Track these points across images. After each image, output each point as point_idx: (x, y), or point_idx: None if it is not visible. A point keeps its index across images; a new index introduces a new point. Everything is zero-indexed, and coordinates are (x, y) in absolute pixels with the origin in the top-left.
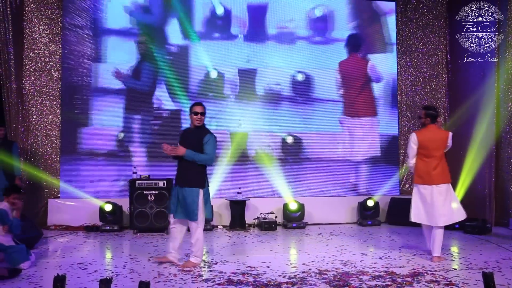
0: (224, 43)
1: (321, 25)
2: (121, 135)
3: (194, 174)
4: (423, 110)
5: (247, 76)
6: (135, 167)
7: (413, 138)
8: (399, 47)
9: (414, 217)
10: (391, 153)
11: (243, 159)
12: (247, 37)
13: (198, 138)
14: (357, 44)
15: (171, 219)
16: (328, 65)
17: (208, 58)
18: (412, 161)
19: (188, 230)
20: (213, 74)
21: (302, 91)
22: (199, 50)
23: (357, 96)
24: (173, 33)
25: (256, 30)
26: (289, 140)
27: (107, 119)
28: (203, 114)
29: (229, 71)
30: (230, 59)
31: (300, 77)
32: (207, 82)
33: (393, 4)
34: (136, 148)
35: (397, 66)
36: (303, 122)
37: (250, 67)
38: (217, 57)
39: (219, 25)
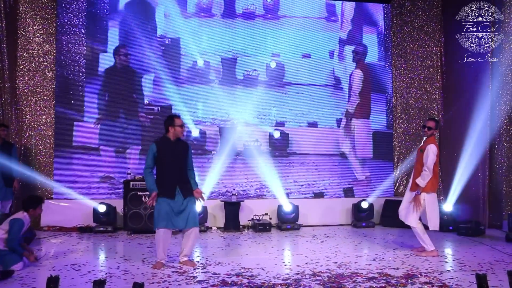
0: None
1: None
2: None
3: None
4: (433, 121)
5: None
6: (129, 168)
7: (436, 150)
8: (394, 49)
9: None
10: (386, 154)
11: (233, 154)
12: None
13: (185, 149)
14: (365, 53)
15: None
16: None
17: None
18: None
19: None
20: (200, 62)
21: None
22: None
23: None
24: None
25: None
26: (276, 134)
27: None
28: None
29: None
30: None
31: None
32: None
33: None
34: (131, 148)
35: (392, 68)
36: (296, 114)
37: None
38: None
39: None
